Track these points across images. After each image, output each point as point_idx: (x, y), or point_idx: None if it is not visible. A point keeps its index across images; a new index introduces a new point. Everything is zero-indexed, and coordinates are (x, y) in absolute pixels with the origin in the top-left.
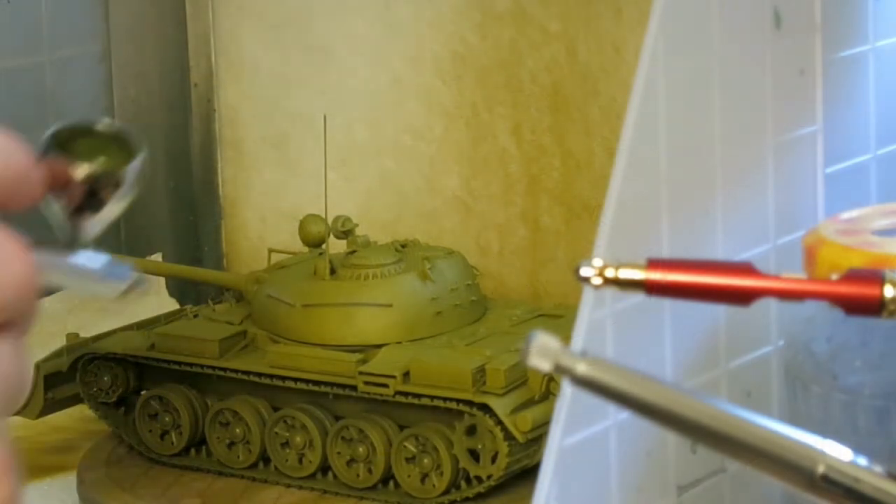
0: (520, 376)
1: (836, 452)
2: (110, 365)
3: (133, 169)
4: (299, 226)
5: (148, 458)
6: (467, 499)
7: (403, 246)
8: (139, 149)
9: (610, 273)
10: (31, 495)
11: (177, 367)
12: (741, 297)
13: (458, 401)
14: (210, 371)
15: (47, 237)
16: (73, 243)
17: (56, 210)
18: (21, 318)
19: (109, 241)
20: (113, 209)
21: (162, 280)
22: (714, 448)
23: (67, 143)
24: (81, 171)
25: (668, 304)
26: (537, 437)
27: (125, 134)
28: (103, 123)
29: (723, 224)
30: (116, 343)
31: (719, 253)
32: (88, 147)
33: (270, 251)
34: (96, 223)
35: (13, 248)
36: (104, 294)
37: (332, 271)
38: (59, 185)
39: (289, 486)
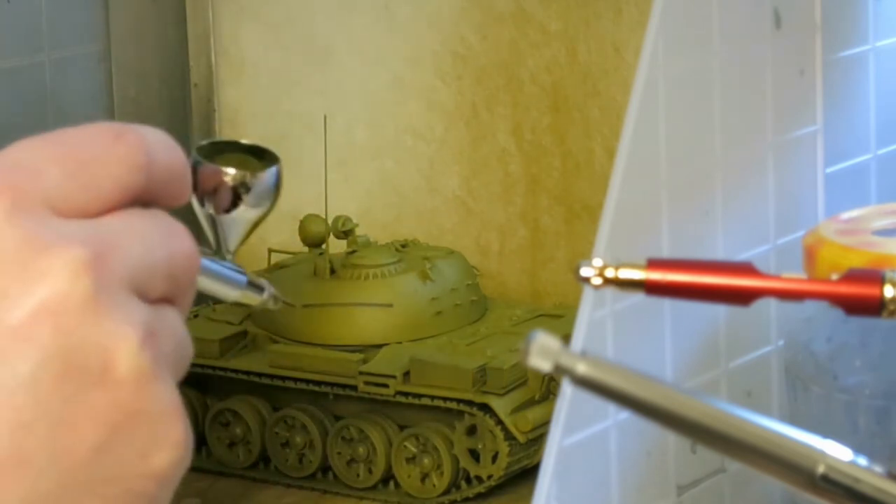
0: (520, 376)
1: (836, 452)
2: None
3: (270, 175)
4: (299, 226)
5: None
6: (467, 499)
7: (403, 246)
8: (276, 160)
9: (610, 273)
10: None
11: None
12: (741, 297)
13: (459, 401)
14: (210, 371)
15: None
16: (218, 251)
17: (204, 214)
18: (183, 295)
19: None
20: (252, 212)
21: None
22: (714, 448)
23: (212, 156)
24: (230, 173)
25: (668, 304)
26: (537, 437)
27: (265, 148)
28: (244, 139)
29: (723, 224)
30: None
31: (719, 253)
32: (231, 160)
33: (270, 251)
34: (238, 226)
35: (183, 230)
36: (244, 302)
37: (332, 271)
38: (208, 190)
39: (289, 486)
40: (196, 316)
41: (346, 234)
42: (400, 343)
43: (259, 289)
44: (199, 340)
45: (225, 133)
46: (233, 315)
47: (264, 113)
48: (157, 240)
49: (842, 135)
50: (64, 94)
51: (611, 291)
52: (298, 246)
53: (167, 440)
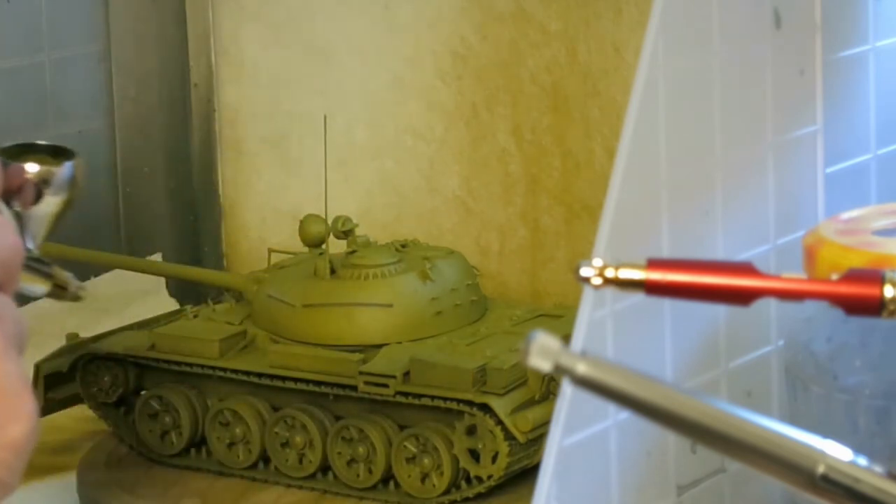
0: (520, 376)
1: (836, 452)
2: (110, 365)
3: (66, 168)
4: (299, 226)
5: (148, 458)
6: (467, 499)
7: (403, 246)
8: (74, 156)
9: (610, 273)
10: (32, 495)
11: (177, 367)
12: (741, 297)
13: (459, 401)
14: (210, 371)
15: None
16: (26, 245)
17: (11, 212)
18: (11, 284)
19: (110, 241)
20: (52, 201)
21: (162, 280)
22: (714, 448)
23: (14, 157)
24: (32, 170)
25: (668, 304)
26: (537, 437)
27: (62, 147)
28: (43, 141)
29: (723, 224)
30: (116, 343)
31: (719, 253)
32: (32, 160)
33: (270, 251)
34: (42, 220)
35: (7, 222)
36: (52, 294)
37: (332, 271)
38: (14, 187)
39: (289, 486)
40: (196, 316)
41: (346, 234)
42: (400, 343)
43: (63, 284)
44: (199, 340)
45: (225, 134)
46: (233, 315)
47: (264, 113)
48: None
49: (842, 135)
50: (64, 94)
51: (611, 291)
52: (298, 246)
53: (20, 412)
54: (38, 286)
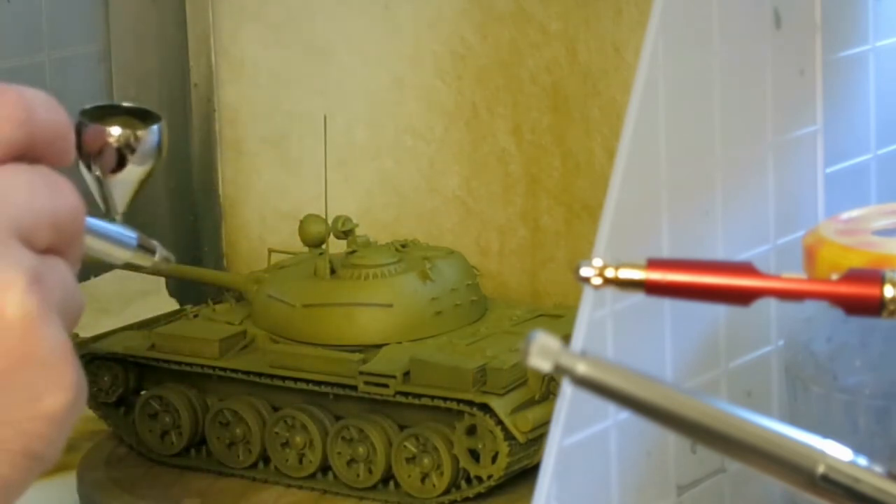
0: (520, 376)
1: (836, 452)
2: (110, 365)
3: (152, 132)
4: (299, 226)
5: (148, 458)
6: (467, 499)
7: (403, 246)
8: (159, 119)
9: (610, 273)
10: (31, 495)
11: (177, 367)
12: (741, 297)
13: (459, 401)
14: (210, 371)
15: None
16: (107, 213)
17: (91, 177)
18: (70, 249)
19: None
20: (138, 170)
21: (162, 280)
22: (714, 448)
23: (97, 119)
24: (114, 133)
25: (668, 304)
26: (537, 437)
27: (146, 109)
28: (127, 102)
29: (723, 224)
30: (116, 343)
31: (719, 253)
32: (116, 122)
33: (270, 251)
34: (125, 186)
35: (68, 184)
36: (135, 263)
37: (332, 271)
38: (94, 151)
39: (289, 486)
40: (196, 316)
41: (346, 234)
42: (400, 343)
43: (150, 250)
44: (199, 340)
45: (225, 134)
46: (233, 315)
47: (264, 113)
48: (41, 191)
49: (842, 135)
50: (64, 94)
51: (611, 291)
52: (298, 246)
53: (59, 382)
54: (118, 254)
